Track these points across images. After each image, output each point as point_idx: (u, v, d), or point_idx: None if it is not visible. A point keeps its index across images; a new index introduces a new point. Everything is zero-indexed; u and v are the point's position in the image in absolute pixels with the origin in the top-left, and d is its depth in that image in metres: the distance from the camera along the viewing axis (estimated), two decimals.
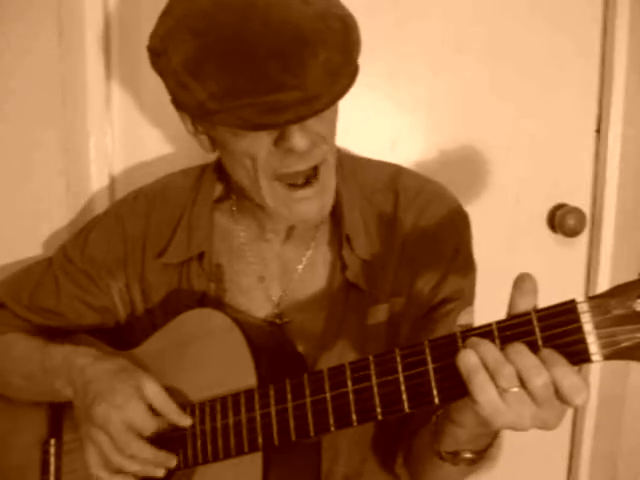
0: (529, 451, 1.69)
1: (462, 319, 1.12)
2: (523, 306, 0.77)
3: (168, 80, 0.98)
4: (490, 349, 0.75)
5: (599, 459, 1.74)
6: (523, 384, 0.73)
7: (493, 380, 0.74)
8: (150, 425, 1.00)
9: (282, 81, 0.89)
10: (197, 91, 0.92)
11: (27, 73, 1.45)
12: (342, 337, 1.11)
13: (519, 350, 0.74)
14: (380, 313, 1.12)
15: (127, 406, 0.99)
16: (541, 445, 1.72)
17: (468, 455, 0.91)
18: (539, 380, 0.72)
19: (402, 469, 1.14)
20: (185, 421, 1.02)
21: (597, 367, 1.69)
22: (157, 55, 0.99)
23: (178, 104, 1.03)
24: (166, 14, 1.00)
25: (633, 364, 1.65)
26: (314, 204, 1.04)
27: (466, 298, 1.15)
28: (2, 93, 1.45)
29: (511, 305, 0.78)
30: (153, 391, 1.02)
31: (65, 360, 1.10)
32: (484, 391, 0.75)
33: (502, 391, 0.74)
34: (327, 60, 0.92)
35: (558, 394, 0.73)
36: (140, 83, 1.52)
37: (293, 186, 1.01)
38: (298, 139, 0.95)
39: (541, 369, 0.72)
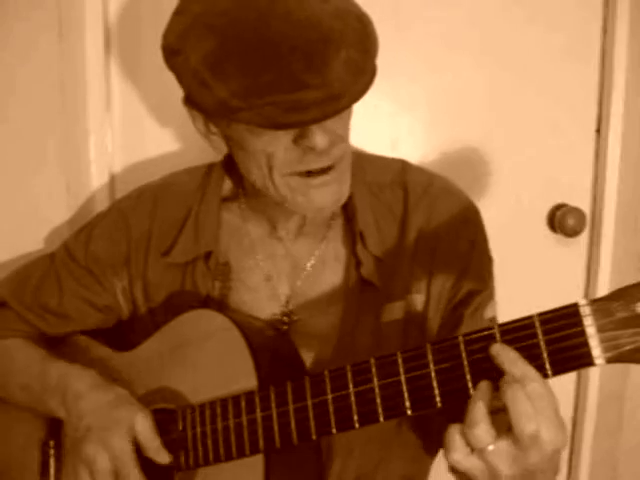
0: None
1: (488, 313, 1.12)
2: None
3: (185, 78, 0.96)
4: (474, 407, 0.77)
5: (599, 458, 1.74)
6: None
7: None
8: (134, 475, 1.00)
9: (305, 79, 0.89)
10: (218, 89, 0.91)
11: (27, 73, 1.44)
12: (357, 336, 1.10)
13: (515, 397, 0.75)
14: (396, 311, 1.12)
15: (115, 447, 1.00)
16: None
17: None
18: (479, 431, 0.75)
19: None
20: (163, 458, 1.02)
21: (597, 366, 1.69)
22: (173, 53, 0.97)
23: (194, 102, 1.01)
24: (180, 13, 0.99)
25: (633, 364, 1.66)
26: (331, 190, 1.02)
27: (490, 290, 1.15)
28: (2, 93, 1.44)
29: None
30: (143, 428, 1.01)
31: (60, 381, 1.10)
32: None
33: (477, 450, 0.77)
34: (348, 58, 0.92)
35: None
36: (140, 83, 1.52)
37: (309, 174, 1.00)
38: (319, 137, 0.94)
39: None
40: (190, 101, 1.03)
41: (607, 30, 1.61)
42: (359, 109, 1.52)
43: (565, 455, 1.78)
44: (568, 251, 1.69)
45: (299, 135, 0.96)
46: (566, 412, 1.75)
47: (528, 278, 1.59)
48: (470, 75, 1.58)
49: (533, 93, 1.61)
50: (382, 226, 1.14)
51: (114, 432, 1.00)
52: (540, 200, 1.66)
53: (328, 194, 1.02)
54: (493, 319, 1.12)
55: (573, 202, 1.65)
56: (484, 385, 0.78)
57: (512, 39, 1.59)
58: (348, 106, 0.95)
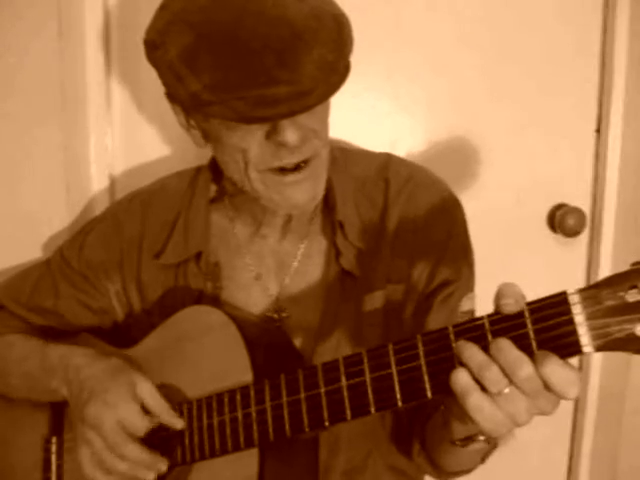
0: (529, 448, 1.69)
1: (464, 305, 1.13)
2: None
3: (163, 72, 0.99)
4: (473, 354, 0.75)
5: (599, 455, 1.73)
6: (510, 380, 0.73)
7: (482, 386, 0.75)
8: (142, 425, 1.01)
9: (276, 75, 0.90)
10: (191, 82, 0.93)
11: (27, 73, 1.45)
12: (339, 327, 1.11)
13: (500, 347, 0.74)
14: (376, 300, 1.13)
15: (120, 406, 1.00)
16: (541, 442, 1.71)
17: (481, 438, 0.89)
18: (522, 372, 0.72)
19: (420, 457, 1.13)
20: (177, 423, 1.03)
21: (597, 363, 1.69)
22: (154, 48, 1.00)
23: (172, 96, 1.04)
24: (163, 9, 1.01)
25: (633, 360, 1.65)
26: (305, 188, 1.04)
27: (465, 282, 1.15)
28: (2, 93, 1.45)
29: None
30: (147, 390, 1.03)
31: (61, 360, 1.11)
32: (480, 410, 0.75)
33: (494, 397, 0.74)
34: (320, 56, 0.93)
35: (549, 390, 0.73)
36: (140, 83, 1.52)
37: (283, 171, 1.02)
38: (290, 133, 0.96)
39: (523, 361, 0.72)
40: (169, 95, 1.06)
41: (607, 30, 1.61)
42: (358, 109, 1.54)
43: (565, 452, 1.78)
44: (568, 251, 1.69)
45: (271, 130, 0.98)
46: (566, 411, 1.75)
47: (528, 278, 1.56)
48: (470, 75, 1.58)
49: (533, 93, 1.61)
50: (363, 217, 1.15)
51: (115, 392, 1.01)
52: (540, 200, 1.66)
53: (302, 192, 1.04)
54: (469, 312, 1.13)
55: (573, 202, 1.64)
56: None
57: (512, 39, 1.59)
58: (317, 103, 0.96)
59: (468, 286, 1.16)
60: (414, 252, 1.14)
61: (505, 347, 0.73)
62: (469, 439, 0.91)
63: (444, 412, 0.92)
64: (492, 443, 0.95)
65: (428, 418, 1.08)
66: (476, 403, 0.75)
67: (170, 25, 0.97)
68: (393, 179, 1.17)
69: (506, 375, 0.73)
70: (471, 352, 0.75)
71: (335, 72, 0.96)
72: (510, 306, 0.74)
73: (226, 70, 0.91)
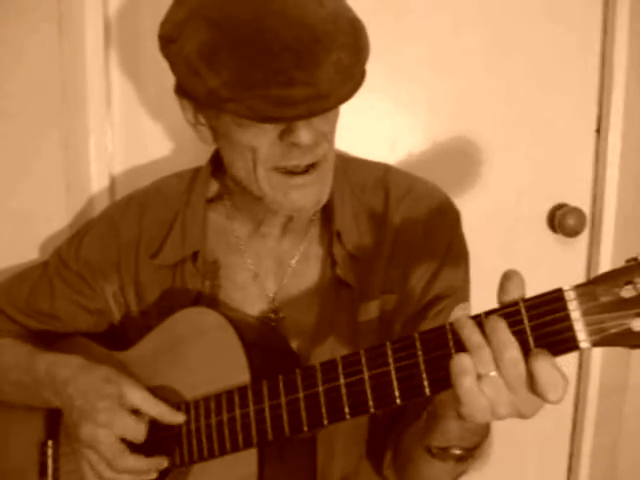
0: (529, 444, 1.69)
1: (458, 314, 1.12)
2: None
3: (178, 66, 0.98)
4: (473, 333, 0.76)
5: (599, 451, 1.73)
6: (496, 362, 0.74)
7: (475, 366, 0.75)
8: (141, 432, 1.01)
9: (295, 76, 0.91)
10: (209, 78, 0.93)
11: (27, 73, 1.45)
12: (334, 334, 1.11)
13: (495, 327, 0.74)
14: (371, 310, 1.12)
15: (113, 423, 1.00)
16: (541, 442, 1.71)
17: (457, 451, 0.91)
18: (507, 354, 0.73)
19: (389, 470, 1.13)
20: (179, 417, 1.03)
21: (598, 359, 1.69)
22: (169, 41, 1.00)
23: (185, 91, 1.03)
24: (179, 3, 1.01)
25: (633, 359, 1.65)
26: (311, 191, 1.04)
27: (459, 294, 1.15)
28: (2, 93, 1.45)
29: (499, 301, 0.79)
30: (138, 398, 1.03)
31: (48, 371, 1.11)
32: (470, 392, 0.75)
33: (480, 377, 0.75)
34: (339, 60, 0.94)
35: (534, 386, 0.73)
36: (140, 83, 1.53)
37: (291, 173, 1.02)
38: (304, 134, 0.96)
39: (511, 344, 0.73)
40: (181, 90, 1.05)
41: (607, 30, 1.61)
42: (358, 109, 1.53)
43: (565, 448, 1.78)
44: (568, 251, 1.69)
45: (285, 130, 0.98)
46: (566, 409, 1.75)
47: (528, 278, 1.56)
48: (470, 75, 1.58)
49: (533, 93, 1.61)
50: (361, 226, 1.15)
51: (105, 410, 1.01)
52: (540, 200, 1.66)
53: (308, 195, 1.04)
54: None
55: (573, 202, 1.64)
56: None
57: (512, 39, 1.59)
58: (334, 106, 0.96)
59: (462, 297, 1.16)
60: (411, 263, 1.14)
61: (500, 327, 0.74)
62: (446, 450, 0.92)
63: (428, 416, 0.93)
64: (464, 465, 0.95)
65: (403, 431, 1.07)
66: (469, 386, 0.75)
67: (187, 20, 0.97)
68: (393, 189, 1.17)
69: (494, 358, 0.74)
70: (471, 331, 0.76)
71: (351, 76, 0.96)
72: (518, 287, 0.76)
73: (246, 68, 0.91)
